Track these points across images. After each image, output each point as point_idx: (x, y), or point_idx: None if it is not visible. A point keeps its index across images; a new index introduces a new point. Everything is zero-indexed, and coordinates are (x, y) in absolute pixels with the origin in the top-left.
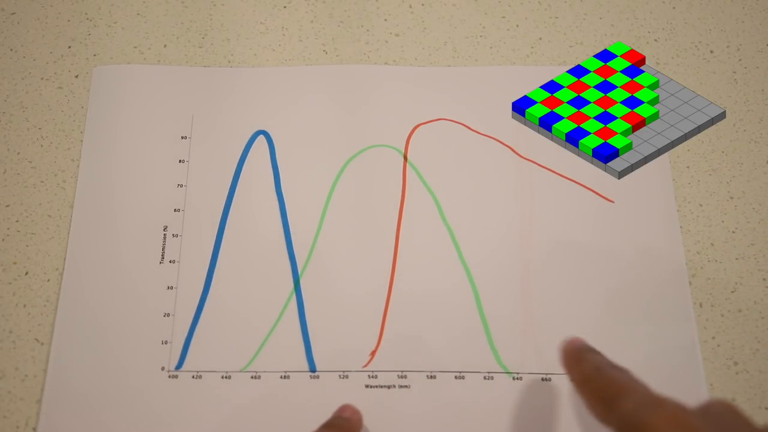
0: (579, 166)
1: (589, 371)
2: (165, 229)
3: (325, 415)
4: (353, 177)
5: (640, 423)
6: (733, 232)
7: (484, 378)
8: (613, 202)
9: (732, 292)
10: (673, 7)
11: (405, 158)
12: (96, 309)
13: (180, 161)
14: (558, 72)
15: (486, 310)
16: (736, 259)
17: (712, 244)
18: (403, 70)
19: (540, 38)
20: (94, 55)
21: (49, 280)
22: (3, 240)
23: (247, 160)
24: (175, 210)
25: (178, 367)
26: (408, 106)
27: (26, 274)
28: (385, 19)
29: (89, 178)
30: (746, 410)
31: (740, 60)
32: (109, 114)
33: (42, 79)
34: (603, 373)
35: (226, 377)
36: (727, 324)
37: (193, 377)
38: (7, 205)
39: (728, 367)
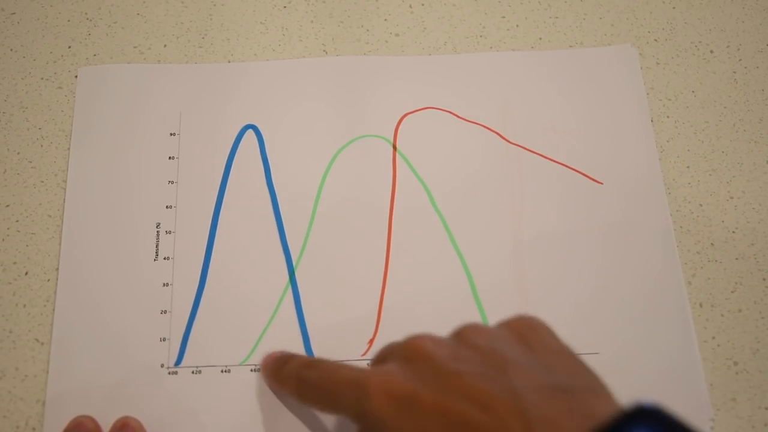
0: (567, 149)
1: (293, 377)
2: (158, 226)
3: None
4: (344, 168)
5: (360, 409)
6: (733, 232)
7: None
8: (602, 183)
9: (732, 292)
10: (673, 7)
11: (394, 147)
12: (93, 309)
13: (170, 158)
14: (545, 57)
15: (481, 294)
16: (736, 259)
17: (712, 244)
18: (389, 60)
19: (540, 38)
20: (94, 55)
21: (49, 280)
22: (3, 240)
23: (236, 154)
24: (167, 207)
25: (178, 363)
26: (395, 95)
27: (26, 274)
28: (385, 19)
29: (79, 179)
30: (746, 410)
31: (740, 60)
32: (96, 114)
33: (42, 79)
34: (306, 374)
35: (225, 371)
36: (727, 324)
37: (192, 372)
38: (7, 205)
39: (728, 367)
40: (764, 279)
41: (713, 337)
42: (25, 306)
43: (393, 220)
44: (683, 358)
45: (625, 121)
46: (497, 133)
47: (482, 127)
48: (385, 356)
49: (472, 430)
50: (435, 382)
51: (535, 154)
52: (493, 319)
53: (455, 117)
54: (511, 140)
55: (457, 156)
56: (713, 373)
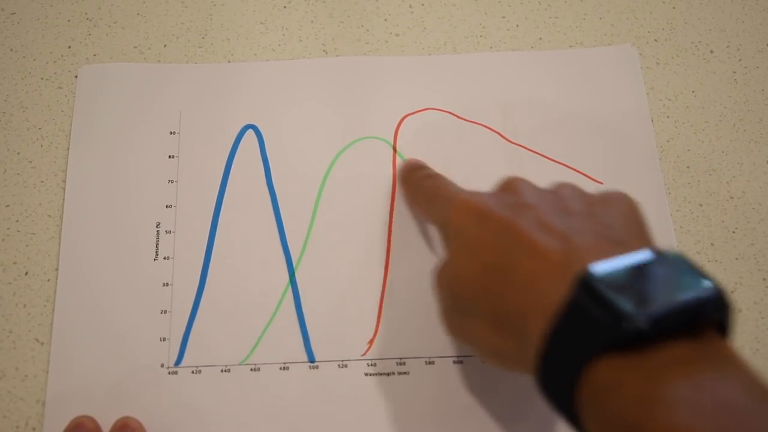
0: (567, 148)
1: (414, 182)
2: (158, 225)
3: (325, 405)
4: (344, 169)
5: (446, 218)
6: (733, 232)
7: (482, 361)
8: (602, 183)
9: (732, 292)
10: (673, 7)
11: (394, 149)
12: (93, 308)
13: (170, 157)
14: (545, 57)
15: None
16: (736, 259)
17: (712, 244)
18: (390, 61)
19: (540, 38)
20: (94, 55)
21: (49, 280)
22: (3, 240)
23: (236, 154)
24: (167, 206)
25: (178, 363)
26: (395, 96)
27: (26, 274)
28: (385, 19)
29: (78, 178)
30: None
31: (740, 60)
32: (96, 113)
33: (42, 79)
34: (424, 183)
35: (225, 371)
36: None
37: (192, 372)
38: (7, 205)
39: None
40: (764, 279)
41: None
42: (25, 306)
43: (393, 222)
44: None
45: (625, 121)
46: (498, 133)
47: (483, 127)
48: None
49: (526, 241)
50: (513, 207)
51: (535, 154)
52: None
53: (456, 118)
54: (511, 140)
55: (458, 157)
56: None
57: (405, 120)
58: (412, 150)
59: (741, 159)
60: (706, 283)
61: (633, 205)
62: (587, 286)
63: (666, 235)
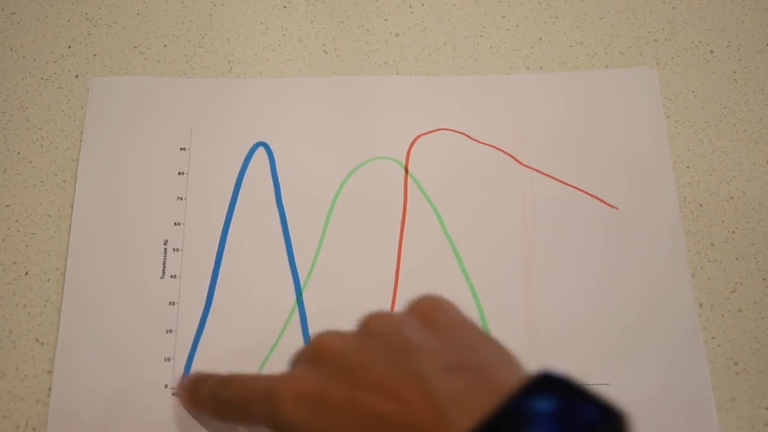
0: (582, 172)
1: (207, 397)
2: (165, 243)
3: None
4: (355, 190)
5: (275, 418)
6: (733, 232)
7: None
8: (617, 208)
9: (732, 292)
10: (673, 7)
11: (406, 170)
12: (98, 326)
13: (179, 173)
14: (561, 79)
15: (490, 322)
16: (736, 259)
17: (712, 244)
18: (403, 80)
19: (540, 38)
20: (94, 55)
21: (49, 280)
22: (3, 240)
23: (247, 172)
24: (175, 224)
25: None
26: (408, 116)
27: (26, 274)
28: (385, 19)
29: (87, 192)
30: (746, 410)
31: (740, 60)
32: (107, 126)
33: (42, 79)
34: (220, 393)
35: None
36: (727, 324)
37: None
38: (7, 205)
39: (728, 367)
40: (764, 279)
41: (713, 337)
42: (25, 306)
43: (403, 244)
44: (689, 366)
45: (642, 146)
46: (511, 156)
47: (496, 150)
48: (296, 361)
49: (383, 422)
50: (342, 377)
51: (548, 177)
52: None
53: (469, 139)
54: (524, 163)
55: (470, 180)
56: (713, 373)
57: (417, 140)
58: (423, 171)
59: (741, 159)
60: (594, 404)
61: (452, 307)
62: None
63: (680, 265)
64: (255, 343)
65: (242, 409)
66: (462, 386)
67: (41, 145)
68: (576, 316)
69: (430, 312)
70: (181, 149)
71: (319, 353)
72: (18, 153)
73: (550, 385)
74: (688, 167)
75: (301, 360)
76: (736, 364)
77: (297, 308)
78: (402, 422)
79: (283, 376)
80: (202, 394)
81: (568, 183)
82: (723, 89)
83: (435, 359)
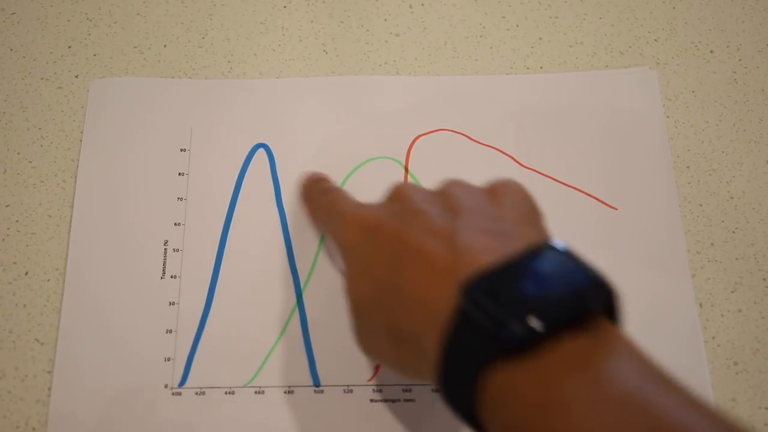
0: (582, 173)
1: (312, 198)
2: (165, 243)
3: (329, 430)
4: (355, 190)
5: (340, 235)
6: (733, 232)
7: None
8: (616, 209)
9: (732, 292)
10: (673, 7)
11: (406, 170)
12: (98, 327)
13: (180, 174)
14: (560, 80)
15: None
16: (736, 259)
17: (712, 244)
18: (403, 80)
19: (540, 38)
20: (94, 55)
21: (49, 280)
22: (3, 240)
23: (247, 173)
24: (175, 224)
25: (182, 384)
26: (408, 116)
27: (26, 274)
28: (385, 19)
29: (87, 193)
30: (746, 410)
31: (740, 60)
32: (107, 127)
33: (42, 79)
34: (320, 199)
35: (229, 393)
36: (727, 324)
37: (196, 394)
38: (7, 205)
39: (728, 367)
40: (764, 279)
41: (713, 337)
42: (25, 306)
43: None
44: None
45: (642, 146)
46: (511, 157)
47: (495, 150)
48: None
49: (410, 252)
50: (399, 215)
51: (548, 178)
52: None
53: (468, 139)
54: (524, 164)
55: (470, 180)
56: (713, 373)
57: (417, 140)
58: (423, 171)
59: (741, 159)
60: (586, 273)
61: (525, 194)
62: (470, 295)
63: (680, 266)
64: (255, 343)
65: (325, 220)
66: (483, 242)
67: (41, 145)
68: None
69: (501, 189)
70: (181, 150)
71: (392, 194)
72: (18, 153)
73: (552, 251)
74: (688, 167)
75: (384, 196)
76: (736, 364)
77: (297, 308)
78: (424, 256)
79: (357, 205)
80: (311, 193)
81: (568, 184)
82: (723, 89)
83: (476, 221)
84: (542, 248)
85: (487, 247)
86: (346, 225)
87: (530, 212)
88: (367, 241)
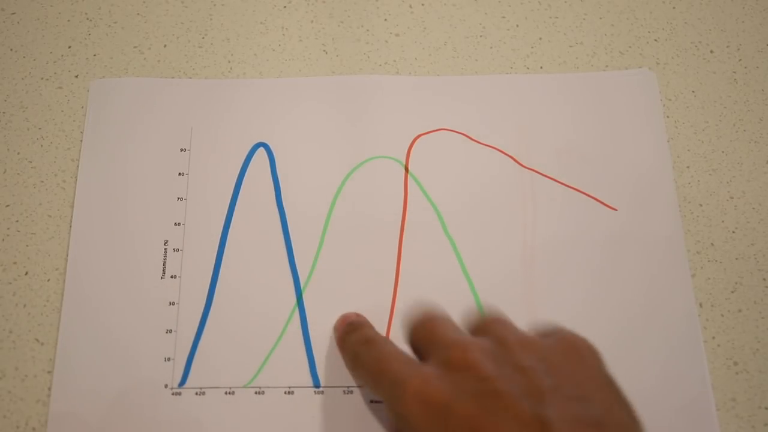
0: (582, 174)
1: (351, 349)
2: (165, 243)
3: (329, 431)
4: (355, 189)
5: (397, 408)
6: (733, 232)
7: None
8: (616, 210)
9: (732, 292)
10: (673, 7)
11: (406, 169)
12: (98, 326)
13: (180, 174)
14: (560, 80)
15: None
16: (736, 259)
17: (712, 244)
18: (403, 80)
19: (540, 38)
20: (94, 55)
21: (49, 280)
22: (3, 240)
23: (247, 172)
24: (175, 224)
25: (182, 384)
26: (408, 116)
27: (26, 274)
28: (385, 19)
29: (87, 193)
30: (746, 410)
31: (740, 60)
32: (107, 127)
33: (42, 79)
34: (361, 352)
35: (229, 393)
36: (727, 324)
37: (196, 394)
38: (7, 205)
39: (728, 367)
40: (764, 279)
41: (713, 337)
42: (25, 306)
43: (403, 244)
44: (690, 370)
45: (642, 147)
46: (511, 157)
47: (496, 151)
48: (428, 350)
49: None
50: (473, 396)
51: (548, 179)
52: None
53: (468, 139)
54: (525, 164)
55: (470, 180)
56: (713, 373)
57: (417, 140)
58: (424, 170)
59: (741, 159)
60: None
61: (597, 356)
62: None
63: (680, 266)
64: (255, 343)
65: (372, 379)
66: None
67: (41, 145)
68: (576, 316)
69: (574, 355)
70: (181, 150)
71: (457, 363)
72: (18, 153)
73: None
74: (688, 167)
75: (434, 355)
76: (736, 364)
77: (297, 308)
78: None
79: (416, 373)
80: (348, 342)
81: (568, 184)
82: (723, 89)
83: (565, 408)
84: None
85: None
86: (406, 397)
87: (610, 383)
88: (436, 424)
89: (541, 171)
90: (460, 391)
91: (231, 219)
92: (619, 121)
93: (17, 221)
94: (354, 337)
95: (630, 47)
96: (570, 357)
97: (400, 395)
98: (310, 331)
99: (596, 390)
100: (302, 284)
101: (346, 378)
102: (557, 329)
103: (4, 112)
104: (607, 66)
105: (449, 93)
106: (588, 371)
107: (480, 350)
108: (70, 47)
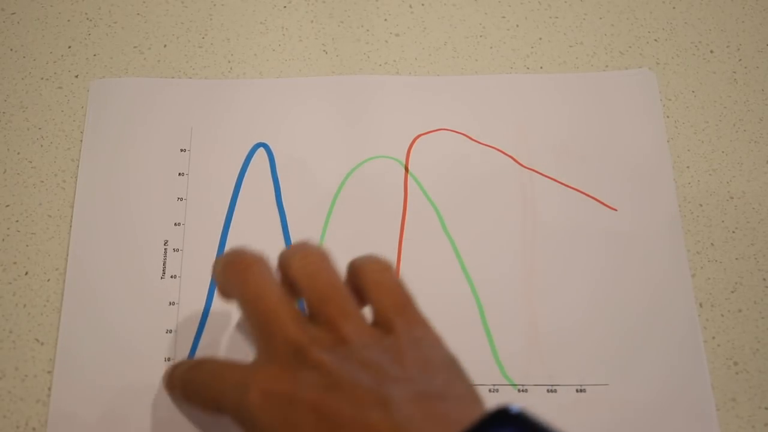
0: (581, 174)
1: (181, 381)
2: (165, 243)
3: None
4: (355, 189)
5: (241, 405)
6: (733, 232)
7: (489, 390)
8: (616, 210)
9: (732, 292)
10: (673, 7)
11: (406, 169)
12: (98, 326)
13: (180, 174)
14: (560, 80)
15: (490, 322)
16: (736, 259)
17: (712, 244)
18: (403, 80)
19: (540, 38)
20: (94, 55)
21: (49, 280)
22: (3, 240)
23: (247, 172)
24: (175, 224)
25: None
26: (408, 116)
27: (26, 274)
28: (385, 19)
29: (87, 193)
30: (746, 410)
31: (740, 60)
32: (107, 128)
33: (42, 79)
34: (192, 376)
35: None
36: (727, 324)
37: None
38: (7, 205)
39: (728, 367)
40: (764, 279)
41: (713, 337)
42: (25, 306)
43: (403, 244)
44: (689, 367)
45: (642, 147)
46: (511, 157)
47: (496, 151)
48: (263, 339)
49: (341, 426)
50: (317, 386)
51: (548, 179)
52: (501, 345)
53: (468, 139)
54: (524, 164)
55: (470, 180)
56: (713, 373)
57: (417, 140)
58: (424, 170)
59: (741, 159)
60: None
61: (439, 341)
62: None
63: (680, 266)
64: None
65: (210, 394)
66: (422, 415)
67: (41, 145)
68: (576, 316)
69: (413, 341)
70: (181, 150)
71: (297, 355)
72: (18, 153)
73: (509, 419)
74: (688, 167)
75: (275, 349)
76: (736, 364)
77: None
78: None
79: (257, 368)
80: (174, 376)
81: (568, 184)
82: (723, 89)
83: (406, 387)
84: (493, 418)
85: (431, 417)
86: (249, 393)
87: (453, 363)
88: (280, 411)
89: (541, 171)
90: (304, 384)
91: (231, 219)
92: (619, 121)
93: (17, 221)
94: (180, 368)
95: (630, 47)
96: (412, 342)
97: (242, 394)
98: None
99: (438, 370)
100: None
101: None
102: (395, 324)
103: (4, 112)
104: (607, 66)
105: (449, 93)
106: (429, 351)
107: (324, 351)
108: (70, 47)
